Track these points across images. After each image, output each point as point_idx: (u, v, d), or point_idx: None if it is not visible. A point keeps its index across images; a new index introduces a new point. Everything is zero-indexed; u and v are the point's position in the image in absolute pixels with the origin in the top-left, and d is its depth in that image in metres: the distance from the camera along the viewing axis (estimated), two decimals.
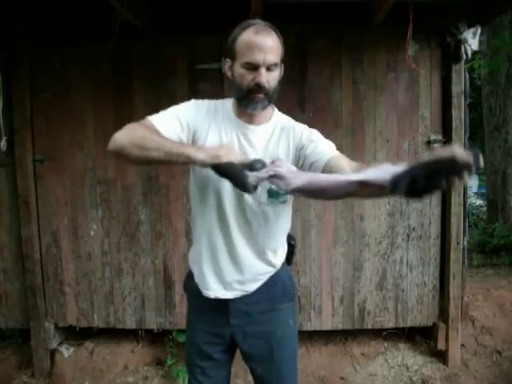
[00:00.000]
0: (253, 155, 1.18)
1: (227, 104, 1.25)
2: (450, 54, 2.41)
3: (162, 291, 2.60)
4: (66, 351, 2.70)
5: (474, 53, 2.40)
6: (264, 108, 1.18)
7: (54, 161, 2.55)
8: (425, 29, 2.36)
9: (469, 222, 3.87)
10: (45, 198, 2.58)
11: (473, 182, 9.14)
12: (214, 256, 1.24)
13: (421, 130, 2.50)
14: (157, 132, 1.07)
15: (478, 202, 8.37)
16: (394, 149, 2.50)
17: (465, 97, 2.46)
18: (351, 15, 2.35)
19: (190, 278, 1.36)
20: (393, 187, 0.77)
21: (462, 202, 2.48)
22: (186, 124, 1.17)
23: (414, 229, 2.54)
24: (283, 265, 1.34)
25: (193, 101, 1.24)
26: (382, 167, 0.84)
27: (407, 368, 2.56)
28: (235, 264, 1.23)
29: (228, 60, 1.18)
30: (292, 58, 2.43)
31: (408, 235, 2.55)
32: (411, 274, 2.57)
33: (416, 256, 2.56)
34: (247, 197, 1.17)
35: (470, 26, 2.33)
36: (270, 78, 1.12)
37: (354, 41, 2.44)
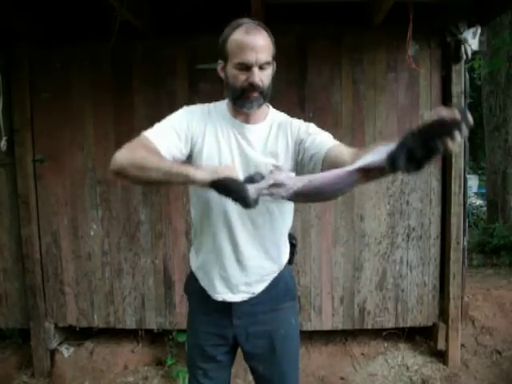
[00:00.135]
0: (252, 154, 1.18)
1: (221, 106, 1.26)
2: (450, 54, 2.41)
3: (161, 291, 2.60)
4: (66, 351, 2.70)
5: (474, 53, 2.40)
6: (259, 106, 1.18)
7: (54, 161, 2.55)
8: (425, 29, 2.36)
9: (469, 221, 3.87)
10: (45, 198, 2.58)
11: (473, 182, 9.14)
12: (220, 259, 1.23)
13: None
14: (156, 152, 1.07)
15: (478, 201, 8.36)
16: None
17: (465, 97, 2.46)
18: (351, 15, 2.35)
19: (191, 279, 1.36)
20: (391, 165, 0.77)
21: (462, 202, 2.49)
22: (183, 133, 1.17)
23: (413, 229, 2.54)
24: (285, 264, 1.34)
25: (184, 108, 1.24)
26: (376, 149, 0.83)
27: (407, 368, 2.56)
28: (241, 266, 1.23)
29: (220, 61, 1.18)
30: (292, 58, 2.44)
31: (408, 235, 2.55)
32: (411, 274, 2.57)
33: (416, 256, 2.56)
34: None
35: (470, 26, 2.33)
36: (264, 77, 1.12)
37: (354, 41, 2.44)
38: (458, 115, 0.71)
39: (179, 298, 2.58)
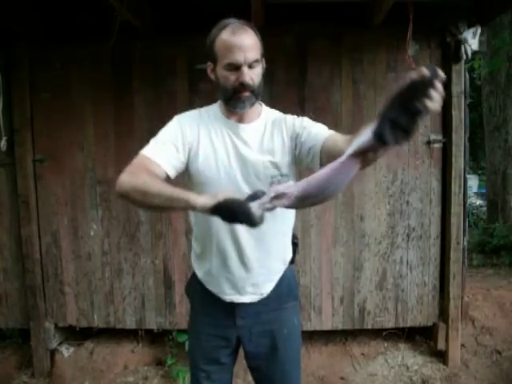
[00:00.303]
0: (248, 153, 1.18)
1: (213, 108, 1.26)
2: (450, 54, 2.41)
3: (161, 291, 2.60)
4: (66, 351, 2.70)
5: (474, 53, 2.40)
6: (252, 105, 1.18)
7: (54, 161, 2.55)
8: (425, 29, 2.36)
9: (469, 221, 3.87)
10: (45, 198, 2.58)
11: (473, 182, 9.14)
12: (224, 262, 1.23)
13: (421, 130, 2.49)
14: (157, 176, 1.09)
15: (478, 201, 8.36)
16: (393, 149, 2.50)
17: (465, 97, 2.46)
18: (351, 15, 2.35)
19: (193, 282, 1.35)
20: (379, 140, 0.77)
21: (462, 202, 2.48)
22: (179, 143, 1.17)
23: (414, 229, 2.54)
24: (288, 264, 1.34)
25: (175, 118, 1.24)
26: (363, 131, 0.83)
27: (407, 368, 2.56)
28: (246, 267, 1.23)
29: (209, 63, 1.18)
30: (292, 58, 2.44)
31: (408, 235, 2.55)
32: (411, 274, 2.57)
33: (416, 256, 2.56)
34: None
35: (470, 26, 2.33)
36: (254, 75, 1.13)
37: (354, 41, 2.44)
38: (427, 73, 0.72)
39: (179, 297, 2.58)
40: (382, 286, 2.57)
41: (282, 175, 1.18)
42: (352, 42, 2.44)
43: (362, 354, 2.65)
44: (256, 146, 1.20)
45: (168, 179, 1.14)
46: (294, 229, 1.35)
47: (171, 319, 2.61)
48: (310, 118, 1.25)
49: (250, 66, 1.11)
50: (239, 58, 1.09)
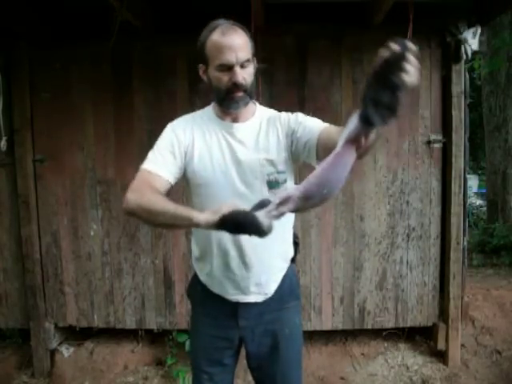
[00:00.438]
0: (243, 152, 1.19)
1: (207, 110, 1.27)
2: (450, 53, 2.41)
3: (161, 291, 2.60)
4: (66, 351, 2.70)
5: (474, 53, 2.40)
6: (246, 105, 1.18)
7: (54, 161, 2.55)
8: (425, 29, 2.36)
9: (469, 221, 3.87)
10: (45, 198, 2.58)
11: (473, 182, 9.14)
12: (226, 263, 1.22)
13: (421, 130, 2.49)
14: (161, 193, 1.11)
15: (478, 201, 8.35)
16: (393, 149, 2.50)
17: (465, 97, 2.46)
18: (351, 15, 2.35)
19: (195, 284, 1.35)
20: (366, 122, 0.77)
21: (462, 202, 2.48)
22: (176, 149, 1.19)
23: (414, 229, 2.54)
24: (290, 263, 1.34)
25: (169, 126, 1.25)
26: (349, 120, 0.84)
27: (407, 368, 2.56)
28: (247, 266, 1.22)
29: (201, 65, 1.19)
30: (292, 58, 2.44)
31: (408, 235, 2.55)
32: (411, 274, 2.57)
33: (416, 256, 2.56)
34: (250, 197, 1.15)
35: (470, 26, 2.33)
36: (246, 75, 1.13)
37: (354, 41, 2.44)
38: (397, 48, 0.73)
39: (179, 297, 2.58)
40: (381, 286, 2.57)
41: (278, 172, 1.19)
42: (352, 42, 2.44)
43: (362, 354, 2.65)
44: (251, 145, 1.20)
45: (172, 187, 1.17)
46: (294, 228, 1.35)
47: (171, 319, 2.61)
48: None
49: (242, 66, 1.11)
50: (231, 58, 1.09)
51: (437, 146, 2.50)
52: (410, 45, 0.73)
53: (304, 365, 2.57)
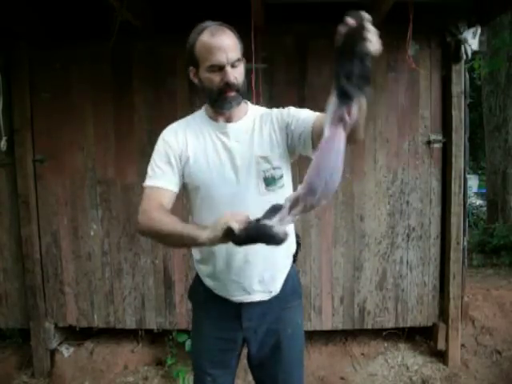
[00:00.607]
0: (239, 151, 1.19)
1: (200, 113, 1.28)
2: (450, 53, 2.41)
3: (161, 291, 2.60)
4: (66, 351, 2.70)
5: (474, 53, 2.40)
6: (238, 104, 1.19)
7: (54, 161, 2.55)
8: (425, 29, 2.36)
9: (469, 221, 3.87)
10: (45, 198, 2.58)
11: (473, 182, 9.14)
12: (229, 263, 1.22)
13: (421, 130, 2.49)
14: (168, 213, 1.14)
15: (478, 201, 8.35)
16: (393, 149, 2.50)
17: (465, 97, 2.46)
18: None
19: (195, 285, 1.35)
20: (343, 96, 0.81)
21: (462, 202, 2.48)
22: (172, 158, 1.20)
23: (413, 229, 2.54)
24: (291, 262, 1.34)
25: (160, 136, 1.25)
26: (328, 103, 0.88)
27: (407, 368, 2.56)
28: (250, 264, 1.22)
29: (191, 68, 1.19)
30: (292, 58, 2.44)
31: (408, 235, 2.55)
32: (411, 274, 2.57)
33: (416, 256, 2.56)
34: (248, 195, 1.17)
35: (470, 26, 2.33)
36: (237, 74, 1.14)
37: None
38: (352, 21, 0.76)
39: (179, 297, 2.58)
40: (381, 286, 2.57)
41: (273, 168, 1.19)
42: None
43: (362, 354, 2.65)
44: (246, 143, 1.20)
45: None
46: (295, 228, 1.35)
47: (171, 319, 2.61)
48: None
49: (233, 66, 1.12)
50: (221, 58, 1.10)
51: (437, 146, 2.50)
52: (365, 15, 0.76)
53: (304, 365, 2.58)
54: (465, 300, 2.66)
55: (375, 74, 2.46)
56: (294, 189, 1.00)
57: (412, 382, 2.48)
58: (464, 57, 2.35)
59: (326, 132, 0.87)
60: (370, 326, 2.61)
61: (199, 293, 1.33)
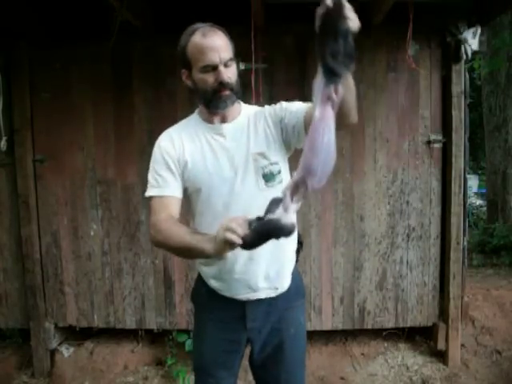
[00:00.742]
0: (236, 150, 1.19)
1: (194, 116, 1.28)
2: (450, 53, 2.41)
3: (161, 291, 2.60)
4: (66, 351, 2.70)
5: (474, 53, 2.40)
6: (233, 103, 1.19)
7: (54, 161, 2.55)
8: (425, 29, 2.36)
9: (469, 221, 3.87)
10: (45, 198, 2.58)
11: (473, 182, 9.14)
12: (233, 262, 1.21)
13: (421, 130, 2.49)
14: (177, 224, 1.17)
15: (478, 201, 8.35)
16: (393, 149, 2.50)
17: (465, 97, 2.46)
18: None
19: (198, 286, 1.35)
20: (330, 74, 0.83)
21: (462, 202, 2.48)
22: (171, 164, 1.20)
23: (413, 229, 2.54)
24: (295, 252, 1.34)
25: (156, 144, 1.25)
26: (315, 83, 0.89)
27: (407, 368, 2.56)
28: (253, 261, 1.21)
29: (184, 70, 1.19)
30: (292, 58, 2.44)
31: (408, 235, 2.55)
32: (411, 274, 2.57)
33: (416, 256, 2.56)
34: (249, 193, 1.18)
35: (470, 26, 2.33)
36: (230, 74, 1.14)
37: (354, 41, 2.43)
38: (329, 1, 0.78)
39: (179, 297, 2.58)
40: (381, 285, 2.57)
41: (271, 164, 1.20)
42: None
43: (362, 354, 2.65)
44: (243, 142, 1.21)
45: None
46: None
47: (171, 319, 2.61)
48: None
49: (226, 65, 1.12)
50: (214, 58, 1.10)
51: (437, 146, 2.50)
52: None
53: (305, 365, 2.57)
54: (465, 300, 2.66)
55: (375, 74, 2.46)
56: None
57: (412, 381, 2.48)
58: (464, 57, 2.35)
59: (317, 113, 0.87)
60: (369, 326, 2.61)
61: (202, 294, 1.33)
